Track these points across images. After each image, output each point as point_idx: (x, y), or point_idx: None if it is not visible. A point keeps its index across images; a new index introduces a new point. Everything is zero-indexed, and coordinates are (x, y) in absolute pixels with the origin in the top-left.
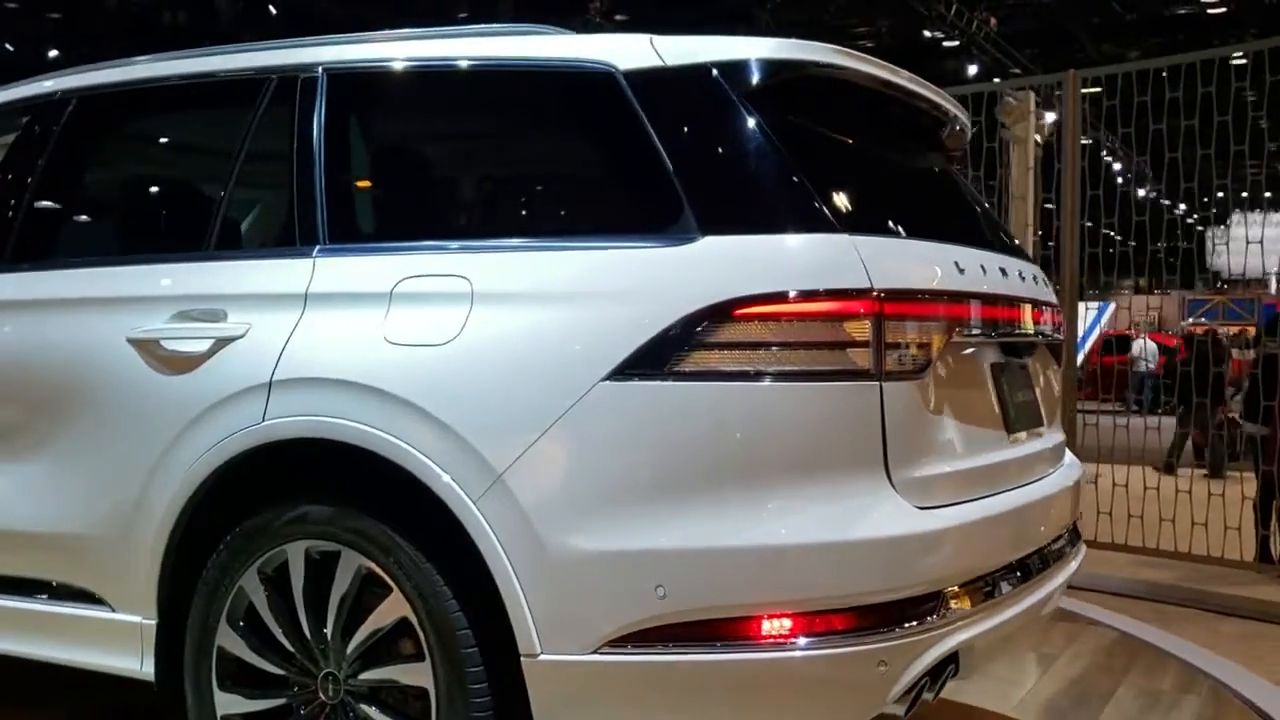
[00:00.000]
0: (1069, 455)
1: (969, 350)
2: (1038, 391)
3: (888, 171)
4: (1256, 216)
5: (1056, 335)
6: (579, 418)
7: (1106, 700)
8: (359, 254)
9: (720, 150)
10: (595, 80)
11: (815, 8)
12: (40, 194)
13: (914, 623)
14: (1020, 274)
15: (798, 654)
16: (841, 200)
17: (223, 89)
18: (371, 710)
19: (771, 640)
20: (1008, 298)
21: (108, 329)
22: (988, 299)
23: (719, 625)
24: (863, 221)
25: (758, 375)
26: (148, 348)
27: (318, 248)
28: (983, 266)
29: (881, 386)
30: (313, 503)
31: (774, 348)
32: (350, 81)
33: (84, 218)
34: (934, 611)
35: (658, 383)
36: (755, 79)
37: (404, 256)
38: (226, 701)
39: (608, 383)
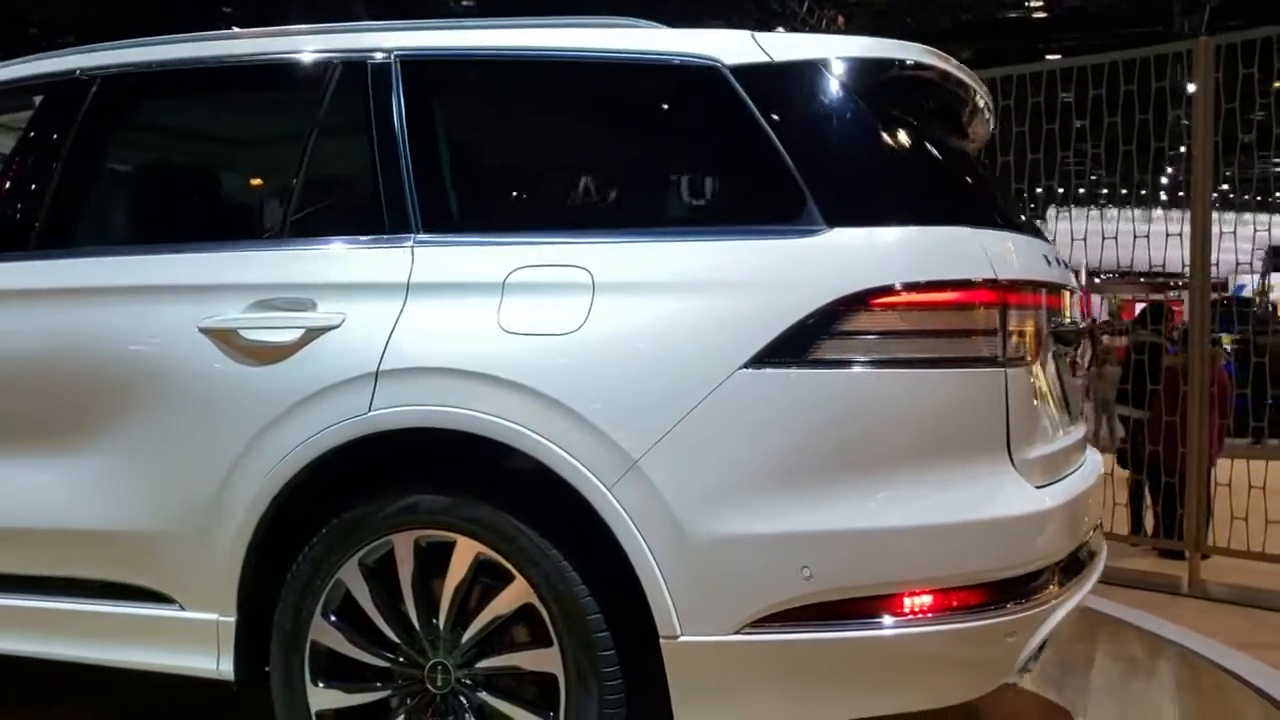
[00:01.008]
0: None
1: (1047, 338)
2: (1074, 381)
3: (964, 164)
4: (1077, 211)
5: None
6: (718, 405)
7: (1090, 667)
8: (461, 244)
9: (839, 145)
10: (701, 74)
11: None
12: (77, 177)
13: (1036, 595)
14: (1061, 262)
15: (937, 628)
16: (951, 193)
17: (279, 72)
18: (488, 697)
19: (912, 616)
20: (1067, 287)
21: (176, 318)
22: (1058, 288)
23: (861, 604)
24: (970, 213)
25: (893, 363)
26: (225, 337)
27: (413, 237)
28: (1045, 256)
29: (1005, 373)
30: (420, 493)
31: (909, 336)
32: (434, 69)
33: (135, 203)
34: (1049, 584)
35: (797, 370)
36: (860, 76)
37: (513, 247)
38: (322, 697)
39: (746, 371)
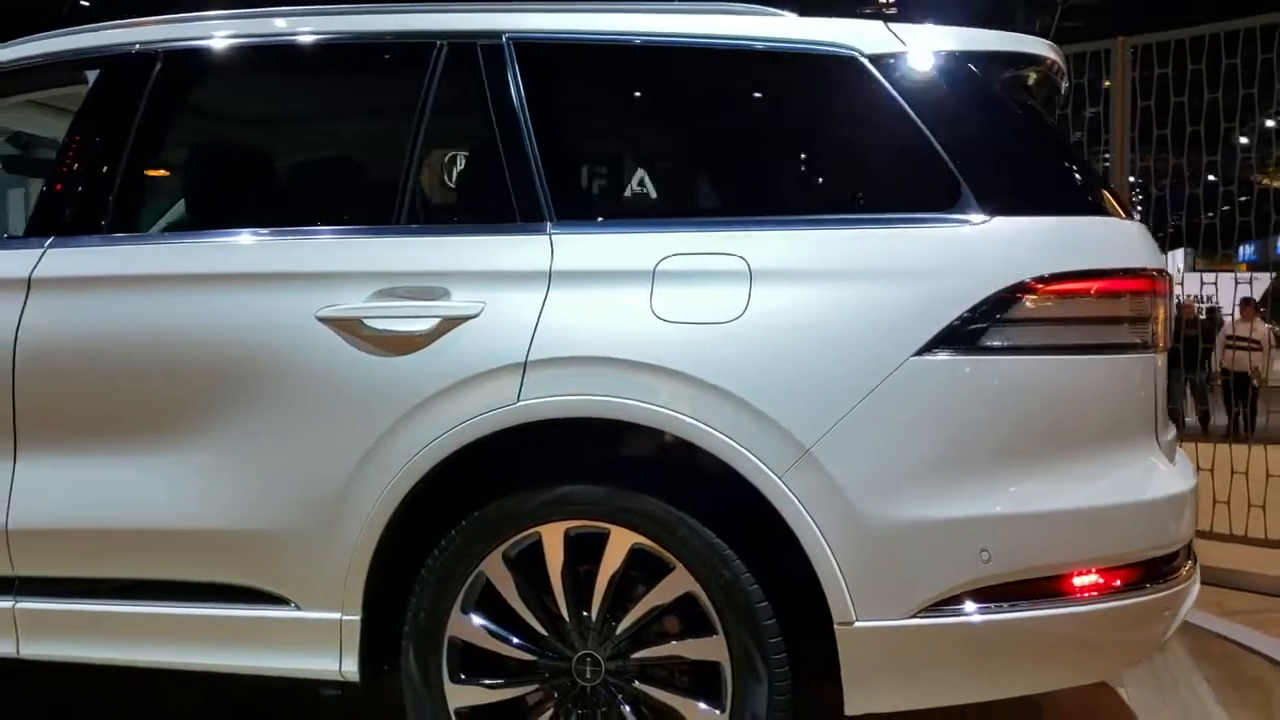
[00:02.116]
0: None
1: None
2: None
3: (1075, 153)
4: None
5: None
6: (890, 393)
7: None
8: (602, 232)
9: (989, 136)
10: (840, 62)
11: None
12: (152, 158)
13: (1180, 572)
14: None
15: (1106, 605)
16: (1089, 183)
17: (376, 52)
18: (645, 687)
19: (1083, 595)
20: None
21: (290, 307)
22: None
23: (1036, 584)
24: (1107, 203)
25: (1058, 349)
26: (348, 327)
27: (549, 225)
28: None
29: (1156, 358)
30: (565, 484)
31: (1072, 323)
32: (552, 53)
33: (232, 186)
34: (1188, 561)
35: (967, 358)
36: (990, 68)
37: (660, 235)
38: (461, 694)
39: (918, 358)
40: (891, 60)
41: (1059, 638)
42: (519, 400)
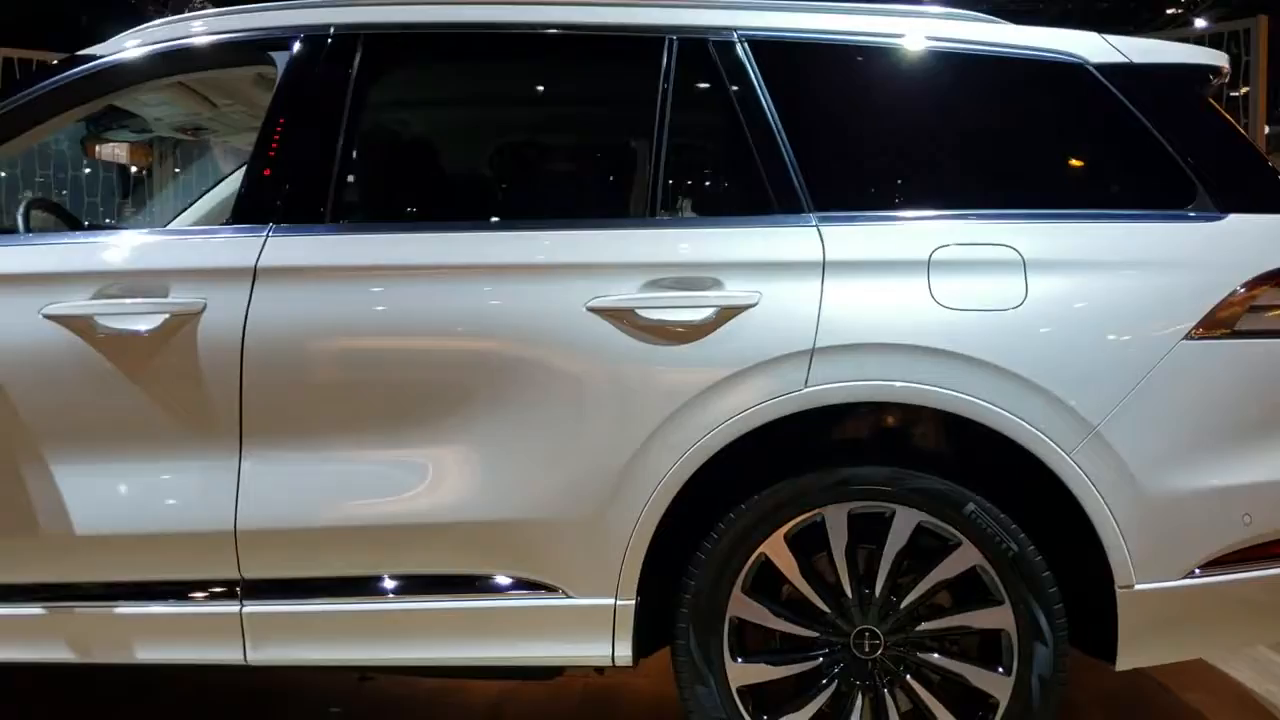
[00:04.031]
0: None
1: None
2: None
3: None
4: None
5: None
6: (1165, 374)
7: None
8: (869, 223)
9: (1209, 138)
10: (1068, 70)
11: None
12: (362, 145)
13: None
14: None
15: None
16: None
17: (602, 43)
18: (930, 657)
19: None
20: None
21: (559, 298)
22: None
23: None
24: None
25: None
26: (621, 317)
27: (814, 215)
28: None
29: None
30: (844, 465)
31: None
32: (793, 52)
33: (479, 178)
34: None
35: (1228, 342)
36: (1195, 77)
37: (929, 226)
38: (742, 672)
39: (1188, 342)
40: (1115, 69)
41: None
42: (806, 386)
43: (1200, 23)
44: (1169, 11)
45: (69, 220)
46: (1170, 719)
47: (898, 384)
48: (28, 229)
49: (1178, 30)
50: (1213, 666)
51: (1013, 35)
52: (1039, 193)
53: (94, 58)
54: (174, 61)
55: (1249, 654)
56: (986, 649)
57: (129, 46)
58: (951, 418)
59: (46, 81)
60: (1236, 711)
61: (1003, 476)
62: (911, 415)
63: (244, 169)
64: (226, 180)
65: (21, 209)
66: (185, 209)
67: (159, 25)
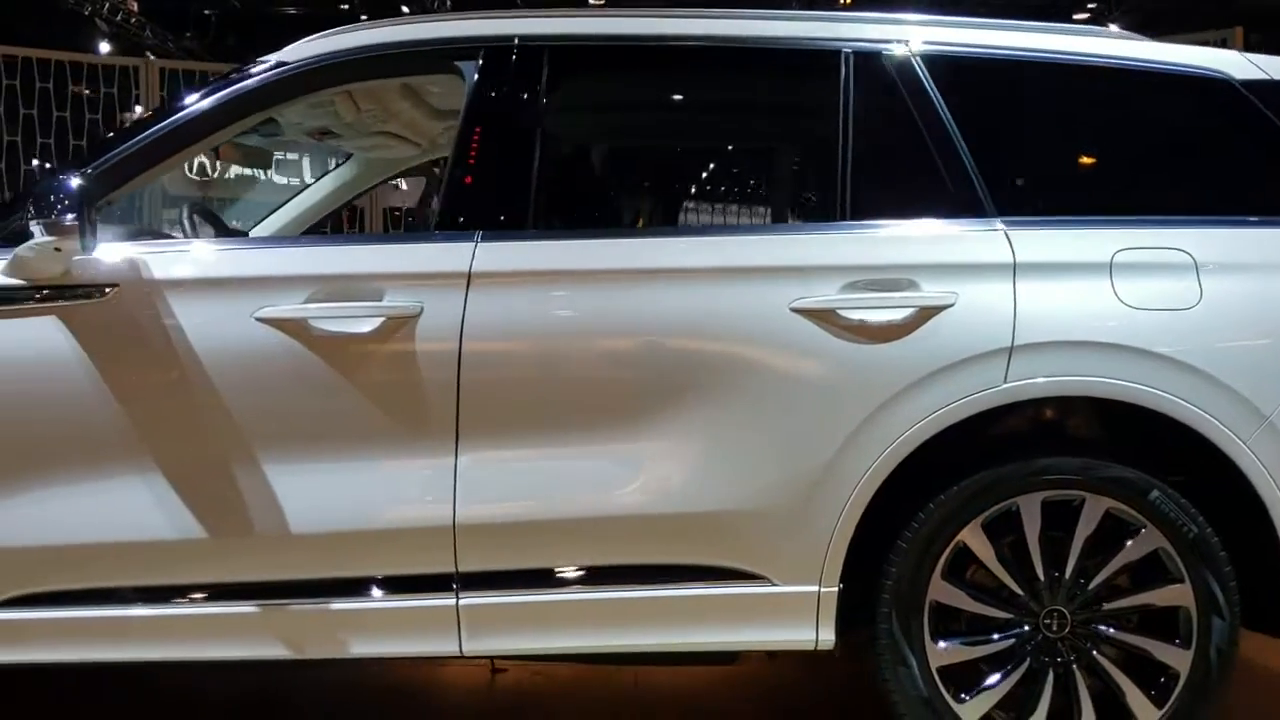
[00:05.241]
0: None
1: None
2: None
3: None
4: None
5: None
6: None
7: None
8: (1053, 227)
9: None
10: (1217, 85)
11: None
12: (561, 154)
13: None
14: None
15: None
16: None
17: (779, 56)
18: (1116, 633)
19: None
20: None
21: (765, 299)
22: None
23: None
24: None
25: None
26: (824, 317)
27: (998, 220)
28: None
29: None
30: (1041, 456)
31: None
32: (966, 64)
33: (677, 186)
34: None
35: None
36: None
37: (1109, 230)
38: (942, 654)
39: None
40: (1258, 85)
41: None
42: (1005, 382)
43: (1113, 28)
44: (1077, 17)
45: (220, 226)
46: None
47: (1093, 379)
48: (194, 233)
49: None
50: None
51: (1165, 52)
52: (1198, 199)
53: (283, 63)
54: (360, 69)
55: None
56: (1155, 624)
57: (316, 53)
58: (1124, 408)
59: (236, 87)
60: None
61: (1172, 464)
62: (1090, 407)
63: (445, 175)
64: (310, 189)
65: (186, 214)
66: (267, 216)
67: (341, 33)
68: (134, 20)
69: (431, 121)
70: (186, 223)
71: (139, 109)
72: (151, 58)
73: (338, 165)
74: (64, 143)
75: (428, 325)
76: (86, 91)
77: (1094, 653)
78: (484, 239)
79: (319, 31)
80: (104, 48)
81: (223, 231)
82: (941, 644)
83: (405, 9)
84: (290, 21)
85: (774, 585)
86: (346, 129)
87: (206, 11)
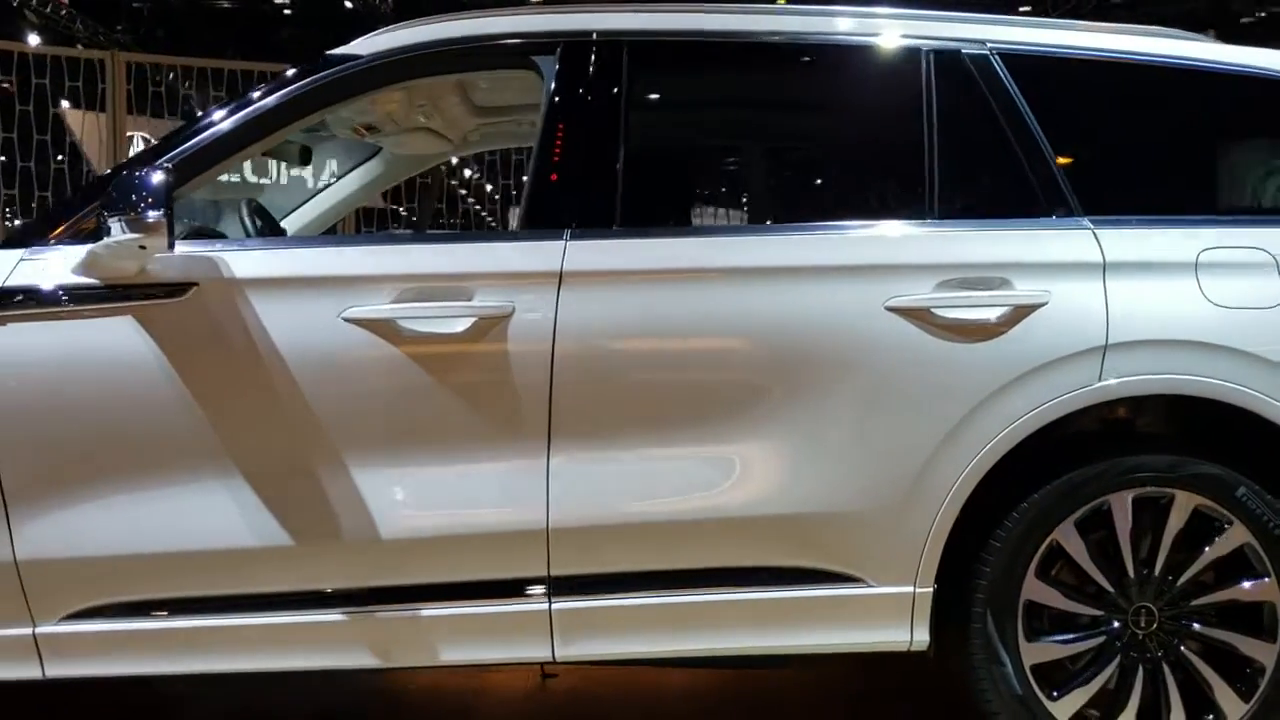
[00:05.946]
0: None
1: None
2: None
3: None
4: None
5: None
6: None
7: None
8: (1138, 226)
9: None
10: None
11: None
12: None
13: None
14: None
15: None
16: None
17: (860, 53)
18: (1203, 629)
19: None
20: None
21: (858, 297)
22: None
23: None
24: None
25: None
26: (918, 316)
27: (1086, 219)
28: None
29: None
30: (1129, 455)
31: None
32: (1047, 64)
33: (776, 184)
34: None
35: None
36: None
37: (1192, 230)
38: (1035, 652)
39: None
40: None
41: None
42: (1099, 381)
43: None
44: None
45: (273, 224)
46: None
47: (1186, 378)
48: (251, 232)
49: None
50: None
51: (1238, 55)
52: (1270, 199)
53: (354, 57)
54: (433, 62)
55: None
56: (1239, 619)
57: (388, 47)
58: (1206, 405)
59: (308, 80)
60: None
61: (1248, 461)
62: (1169, 406)
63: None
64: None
65: (245, 211)
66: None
67: (412, 26)
68: (64, 12)
69: (470, 118)
70: (246, 220)
71: (65, 104)
72: (119, 52)
73: (339, 164)
74: None
75: (520, 325)
76: (6, 85)
77: (1181, 648)
78: (573, 237)
79: (247, 27)
80: (33, 40)
81: (276, 231)
82: (1033, 643)
83: (348, 4)
84: (221, 16)
85: (869, 586)
86: (392, 125)
87: (137, 4)
